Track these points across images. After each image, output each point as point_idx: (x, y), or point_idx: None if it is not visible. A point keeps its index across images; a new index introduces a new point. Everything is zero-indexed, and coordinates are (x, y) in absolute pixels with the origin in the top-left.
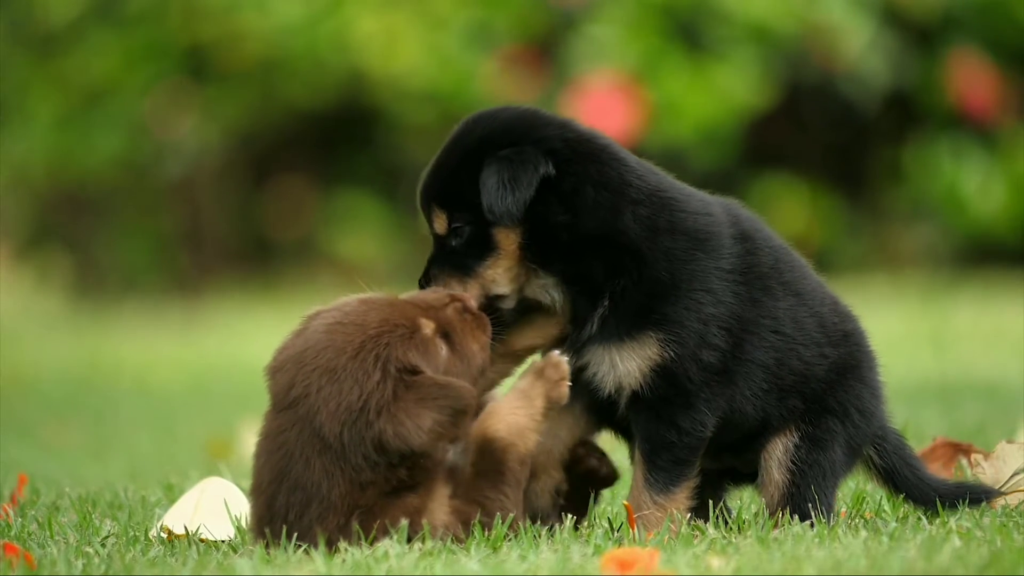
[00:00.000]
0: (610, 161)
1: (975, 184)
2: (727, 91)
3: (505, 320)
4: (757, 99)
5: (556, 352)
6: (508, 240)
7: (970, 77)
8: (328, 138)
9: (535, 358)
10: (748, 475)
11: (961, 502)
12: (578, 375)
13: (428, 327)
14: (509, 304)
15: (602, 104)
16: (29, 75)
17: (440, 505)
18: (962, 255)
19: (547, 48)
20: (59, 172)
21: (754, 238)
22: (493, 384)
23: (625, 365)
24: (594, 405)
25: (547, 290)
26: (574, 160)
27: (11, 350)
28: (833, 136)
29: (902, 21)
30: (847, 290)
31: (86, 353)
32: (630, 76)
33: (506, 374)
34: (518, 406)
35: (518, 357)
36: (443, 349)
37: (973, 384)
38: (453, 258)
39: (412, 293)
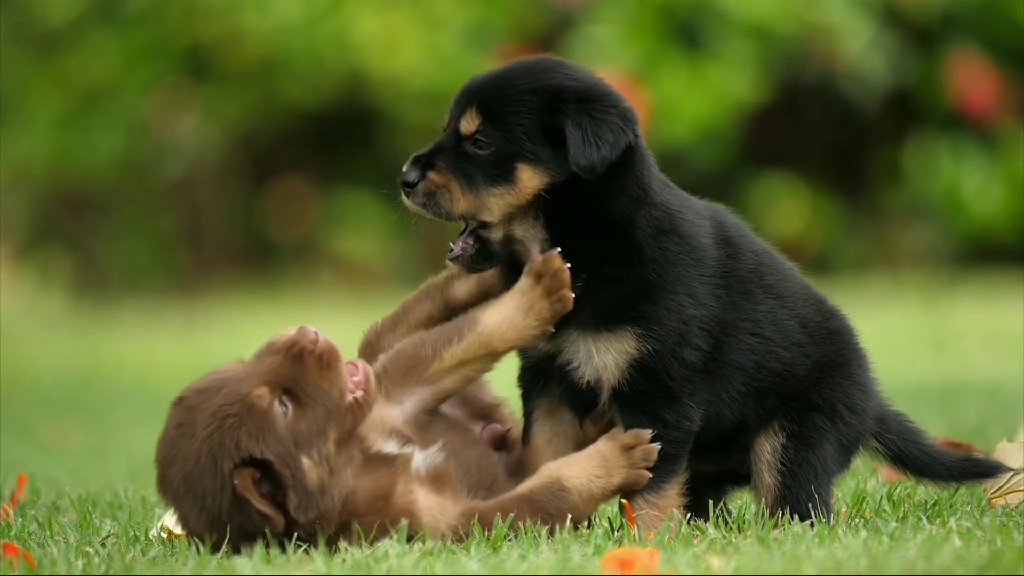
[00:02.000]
0: (646, 160)
1: (975, 184)
2: (726, 91)
3: (494, 252)
4: (756, 99)
5: (640, 431)
6: (531, 182)
7: (970, 77)
8: (328, 138)
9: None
10: (746, 476)
11: (970, 476)
12: (552, 360)
13: (263, 398)
14: (492, 235)
15: None
16: (29, 75)
17: (435, 511)
18: (962, 255)
19: (546, 48)
20: (59, 172)
21: (736, 243)
22: (470, 381)
23: (602, 357)
24: (573, 391)
25: (534, 242)
26: (633, 144)
27: (12, 350)
28: (833, 136)
29: (902, 21)
30: (847, 290)
31: (86, 353)
32: (629, 76)
33: (485, 371)
34: (598, 475)
35: (498, 356)
36: (287, 410)
37: (973, 384)
38: (464, 164)
39: (258, 350)
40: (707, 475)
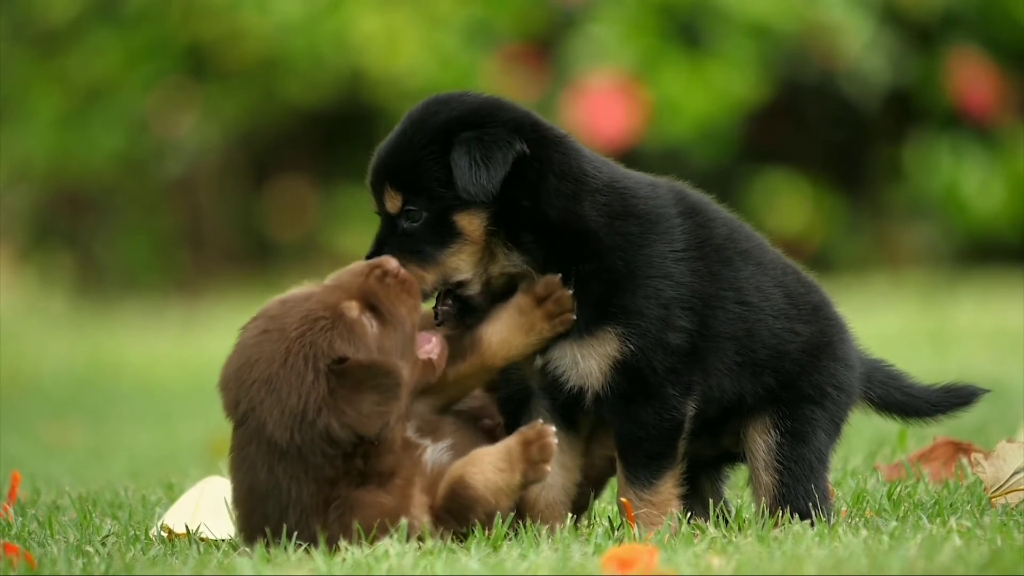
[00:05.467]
0: (569, 150)
1: (975, 183)
2: (726, 90)
3: (477, 305)
4: (756, 97)
5: (545, 427)
6: (473, 226)
7: (970, 76)
8: (328, 137)
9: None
10: (742, 455)
11: (950, 406)
12: (544, 370)
13: (352, 308)
14: (473, 290)
15: (602, 103)
16: (30, 73)
17: (423, 512)
18: (962, 253)
19: (547, 47)
20: (60, 171)
21: (704, 211)
22: (472, 389)
23: (586, 363)
24: (562, 405)
25: (514, 268)
26: (539, 146)
27: (12, 349)
28: (833, 135)
29: (902, 20)
30: (847, 288)
31: (87, 352)
32: (630, 75)
33: (485, 381)
34: (502, 468)
35: (497, 369)
36: (373, 324)
37: (973, 383)
38: (408, 242)
39: (334, 273)
40: (704, 459)
